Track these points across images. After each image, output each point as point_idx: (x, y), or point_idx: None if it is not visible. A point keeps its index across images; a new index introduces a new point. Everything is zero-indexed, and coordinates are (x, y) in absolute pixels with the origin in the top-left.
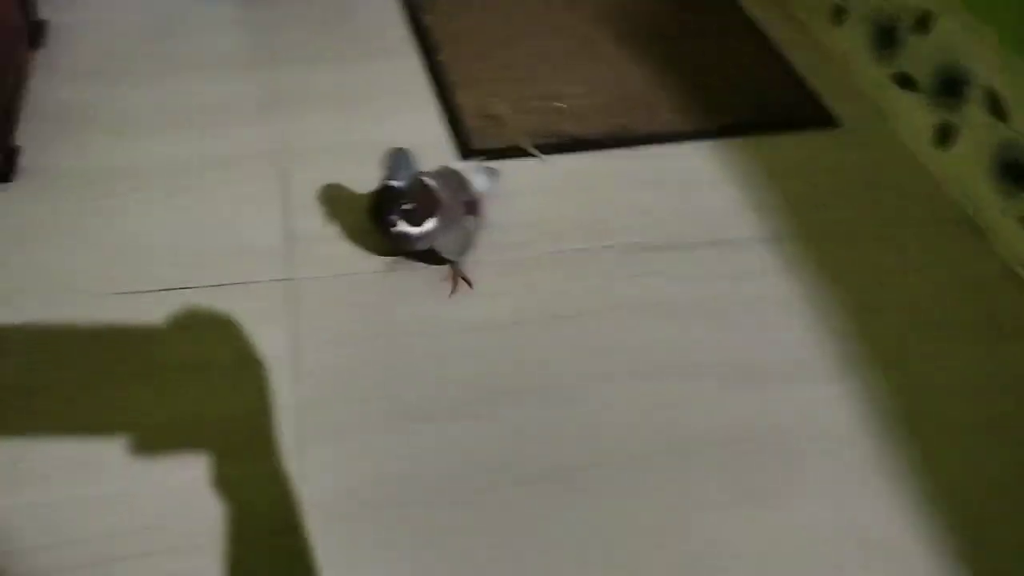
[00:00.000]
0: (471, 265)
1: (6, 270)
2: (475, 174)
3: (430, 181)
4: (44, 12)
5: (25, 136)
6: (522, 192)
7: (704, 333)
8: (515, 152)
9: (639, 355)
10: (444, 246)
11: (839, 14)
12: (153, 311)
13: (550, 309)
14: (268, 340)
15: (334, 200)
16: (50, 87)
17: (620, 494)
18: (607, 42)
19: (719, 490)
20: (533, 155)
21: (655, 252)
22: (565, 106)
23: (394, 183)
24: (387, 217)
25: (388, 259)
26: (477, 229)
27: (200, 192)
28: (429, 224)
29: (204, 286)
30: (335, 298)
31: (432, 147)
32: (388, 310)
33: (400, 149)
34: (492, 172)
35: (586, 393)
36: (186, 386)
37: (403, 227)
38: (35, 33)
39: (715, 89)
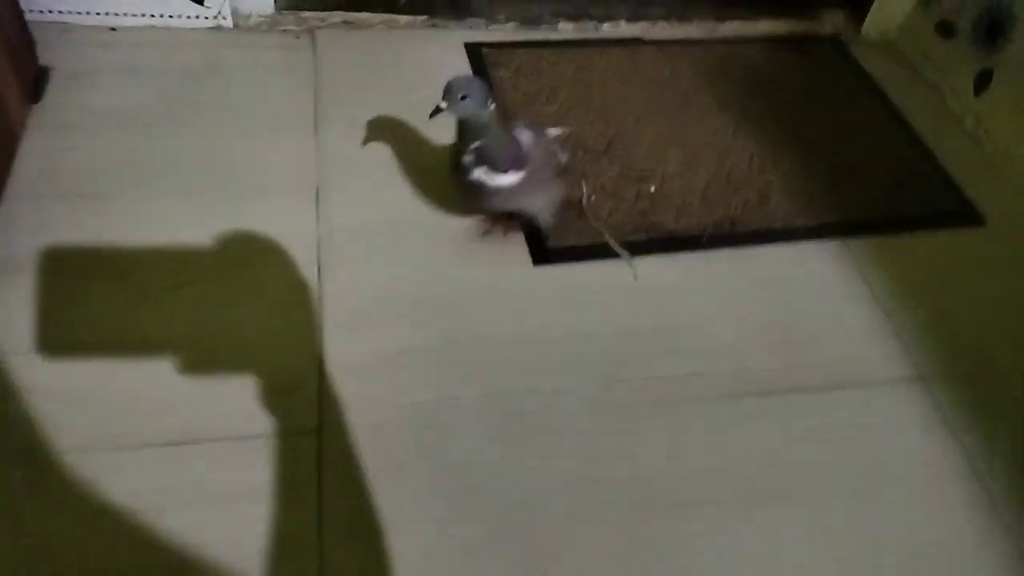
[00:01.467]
0: None
1: None
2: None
3: (520, 131)
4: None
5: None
6: (602, 300)
7: (843, 522)
8: (599, 251)
9: None
10: (535, 207)
11: (984, 80)
12: None
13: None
14: None
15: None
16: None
17: None
18: (708, 108)
19: None
20: (619, 255)
21: (766, 398)
22: (654, 189)
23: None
24: (462, 159)
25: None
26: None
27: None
28: (513, 176)
29: None
30: None
31: (499, 246)
32: None
33: (468, 77)
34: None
35: None
36: None
37: (481, 175)
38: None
39: (837, 171)
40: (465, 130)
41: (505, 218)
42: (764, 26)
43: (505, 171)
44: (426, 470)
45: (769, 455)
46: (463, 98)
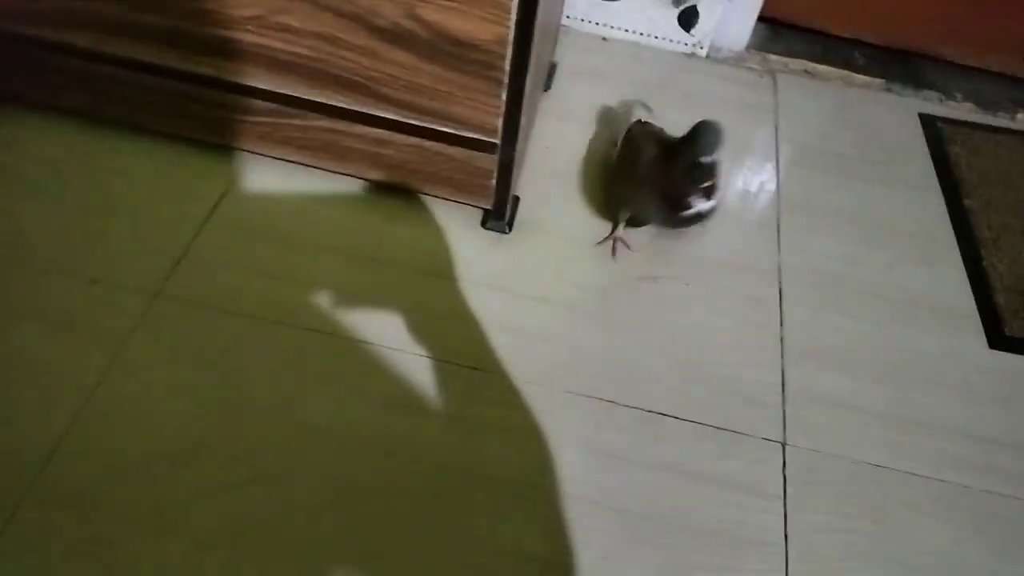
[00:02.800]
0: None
1: None
2: None
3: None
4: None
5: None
6: None
7: None
8: None
9: None
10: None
11: None
12: None
13: None
14: None
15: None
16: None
17: None
18: None
19: None
20: None
21: None
22: None
23: (707, 159)
24: (690, 198)
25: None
26: None
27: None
28: (714, 200)
29: None
30: None
31: (952, 317)
32: None
33: (715, 123)
34: None
35: None
36: None
37: (701, 205)
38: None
39: None
40: (701, 166)
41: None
42: None
43: (711, 198)
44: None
45: None
46: (715, 145)
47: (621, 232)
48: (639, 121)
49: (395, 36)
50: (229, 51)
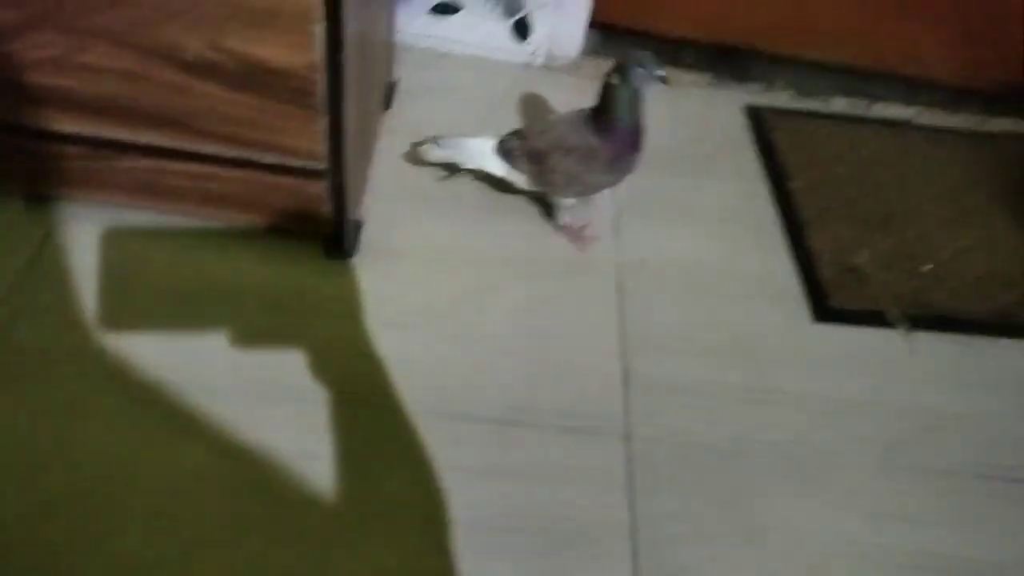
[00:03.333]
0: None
1: None
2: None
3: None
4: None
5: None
6: (878, 370)
7: None
8: (877, 319)
9: None
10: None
11: None
12: None
13: None
14: None
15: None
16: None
17: None
18: (979, 200)
19: None
20: (897, 328)
21: None
22: (928, 269)
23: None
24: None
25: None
26: None
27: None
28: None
29: None
30: None
31: (781, 295)
32: None
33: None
34: None
35: None
36: None
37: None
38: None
39: None
40: (618, 101)
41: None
42: None
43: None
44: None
45: None
46: (640, 67)
47: (578, 222)
48: (514, 133)
49: (203, 69)
50: (28, 96)
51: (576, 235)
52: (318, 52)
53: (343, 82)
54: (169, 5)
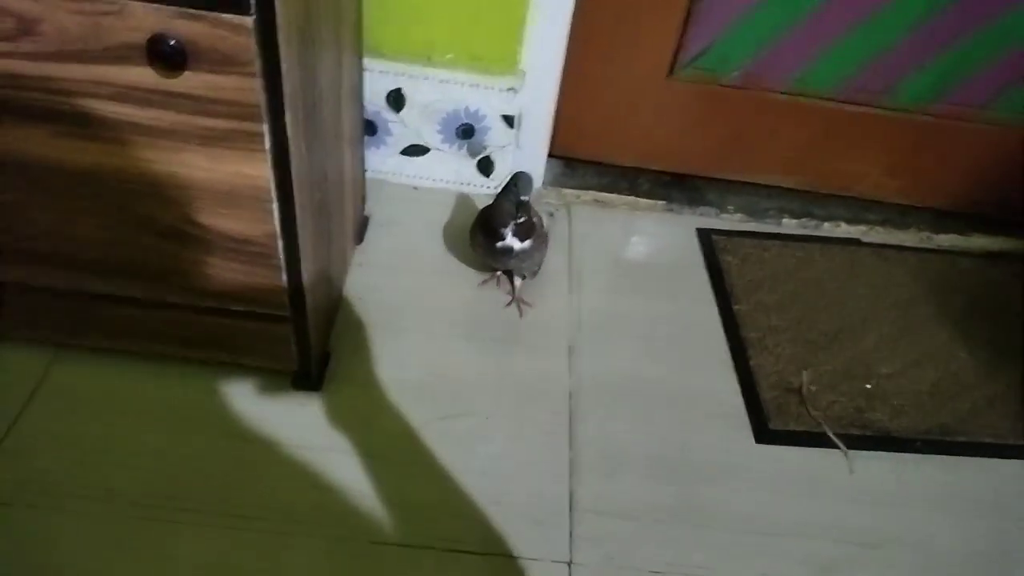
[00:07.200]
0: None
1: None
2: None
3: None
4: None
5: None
6: (818, 490)
7: None
8: (817, 440)
9: None
10: (530, 266)
11: None
12: None
13: None
14: None
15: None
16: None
17: None
18: (927, 316)
19: None
20: (837, 447)
21: None
22: (871, 387)
23: (524, 198)
24: (500, 230)
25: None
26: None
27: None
28: (528, 242)
29: None
30: None
31: (724, 416)
32: None
33: (527, 174)
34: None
35: None
36: None
37: (511, 241)
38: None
39: None
40: (507, 210)
41: (499, 273)
42: (981, 241)
43: (525, 239)
44: None
45: None
46: (527, 189)
47: (511, 286)
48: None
49: (179, 237)
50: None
51: (523, 302)
52: (275, 224)
53: (298, 248)
54: (146, 187)
